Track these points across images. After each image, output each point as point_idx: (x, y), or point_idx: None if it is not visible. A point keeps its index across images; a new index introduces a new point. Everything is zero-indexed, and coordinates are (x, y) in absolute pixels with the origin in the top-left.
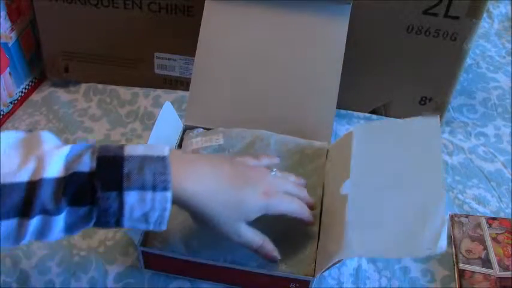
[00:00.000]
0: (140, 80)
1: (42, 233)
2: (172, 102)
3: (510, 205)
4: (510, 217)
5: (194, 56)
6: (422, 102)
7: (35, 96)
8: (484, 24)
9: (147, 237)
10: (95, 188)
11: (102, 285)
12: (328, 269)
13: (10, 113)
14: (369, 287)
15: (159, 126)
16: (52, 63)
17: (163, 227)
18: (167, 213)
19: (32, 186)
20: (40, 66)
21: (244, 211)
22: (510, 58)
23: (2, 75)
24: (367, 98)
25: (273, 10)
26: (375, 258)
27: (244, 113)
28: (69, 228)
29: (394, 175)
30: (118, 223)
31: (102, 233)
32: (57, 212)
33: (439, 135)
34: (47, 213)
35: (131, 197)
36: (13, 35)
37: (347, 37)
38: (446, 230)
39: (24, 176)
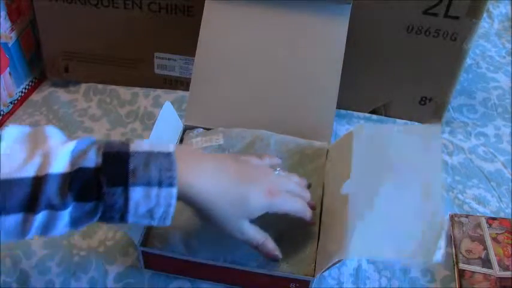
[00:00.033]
0: (140, 80)
1: (46, 227)
2: (172, 102)
3: (510, 205)
4: (510, 217)
5: (194, 56)
6: (422, 102)
7: (35, 96)
8: (484, 24)
9: (147, 237)
10: (101, 183)
11: (102, 285)
12: (328, 269)
13: (10, 113)
14: (369, 287)
15: (159, 126)
16: (52, 63)
17: (168, 223)
18: (172, 209)
19: (38, 182)
20: (40, 66)
21: (248, 209)
22: (510, 58)
23: (2, 75)
24: (367, 98)
25: (273, 10)
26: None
27: (244, 113)
28: (74, 223)
29: (394, 177)
30: (122, 218)
31: (102, 233)
32: (63, 207)
33: (439, 142)
34: (53, 208)
35: (137, 193)
36: (13, 35)
37: (347, 37)
38: (445, 239)
39: (30, 171)
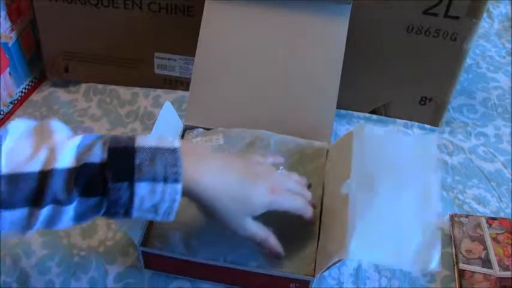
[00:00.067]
0: (140, 80)
1: (51, 222)
2: (172, 102)
3: (510, 205)
4: (510, 217)
5: (194, 56)
6: (422, 102)
7: (35, 96)
8: (484, 24)
9: (147, 237)
10: (106, 179)
11: (102, 285)
12: (328, 269)
13: (10, 113)
14: (369, 287)
15: (159, 126)
16: (52, 63)
17: (172, 218)
18: (176, 205)
19: (44, 176)
20: (40, 66)
21: (251, 206)
22: (510, 58)
23: (2, 75)
24: (367, 98)
25: (273, 10)
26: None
27: (244, 113)
28: (79, 218)
29: (394, 177)
30: (127, 213)
31: (102, 233)
32: (69, 202)
33: (436, 151)
34: (58, 203)
35: (142, 189)
36: (13, 35)
37: (347, 37)
38: (439, 249)
39: (36, 166)
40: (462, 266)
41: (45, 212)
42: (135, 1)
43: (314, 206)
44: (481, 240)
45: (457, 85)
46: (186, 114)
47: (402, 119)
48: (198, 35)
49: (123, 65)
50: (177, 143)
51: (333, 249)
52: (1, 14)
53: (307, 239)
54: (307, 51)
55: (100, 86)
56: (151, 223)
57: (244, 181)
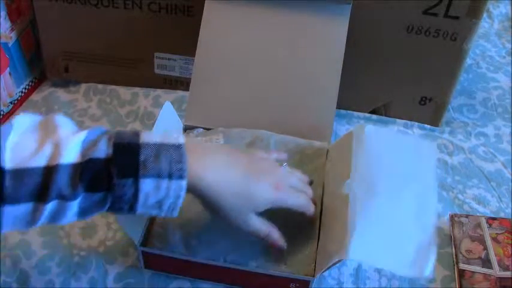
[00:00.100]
0: (140, 80)
1: (55, 217)
2: (172, 102)
3: (510, 205)
4: (510, 217)
5: (194, 56)
6: (422, 102)
7: (35, 96)
8: (484, 24)
9: (147, 237)
10: (111, 174)
11: (102, 285)
12: (328, 269)
13: (10, 113)
14: (368, 287)
15: (159, 126)
16: (52, 63)
17: (175, 214)
18: (181, 201)
19: (49, 172)
20: (40, 66)
21: (255, 203)
22: (510, 58)
23: (2, 75)
24: (367, 98)
25: (273, 10)
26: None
27: (244, 113)
28: (83, 213)
29: (393, 177)
30: (131, 209)
31: (102, 233)
32: (73, 197)
33: (434, 155)
34: (63, 198)
35: (147, 185)
36: (13, 35)
37: (347, 37)
38: (434, 255)
39: (40, 161)
40: (462, 266)
41: (49, 207)
42: (135, 1)
43: (315, 203)
44: (481, 240)
45: (457, 85)
46: (186, 114)
47: (402, 119)
48: (198, 35)
49: (123, 65)
50: (182, 139)
51: (333, 249)
52: (1, 14)
53: (307, 239)
54: (307, 51)
55: (100, 86)
56: (151, 223)
57: (249, 177)
